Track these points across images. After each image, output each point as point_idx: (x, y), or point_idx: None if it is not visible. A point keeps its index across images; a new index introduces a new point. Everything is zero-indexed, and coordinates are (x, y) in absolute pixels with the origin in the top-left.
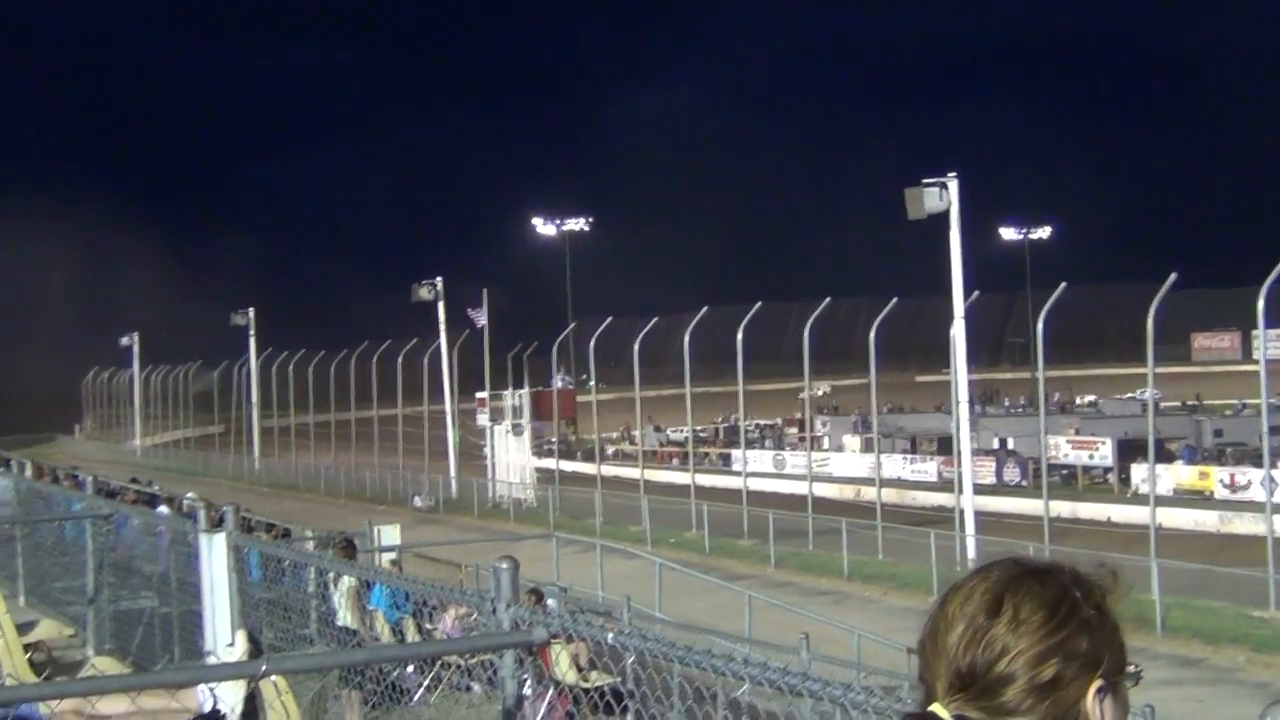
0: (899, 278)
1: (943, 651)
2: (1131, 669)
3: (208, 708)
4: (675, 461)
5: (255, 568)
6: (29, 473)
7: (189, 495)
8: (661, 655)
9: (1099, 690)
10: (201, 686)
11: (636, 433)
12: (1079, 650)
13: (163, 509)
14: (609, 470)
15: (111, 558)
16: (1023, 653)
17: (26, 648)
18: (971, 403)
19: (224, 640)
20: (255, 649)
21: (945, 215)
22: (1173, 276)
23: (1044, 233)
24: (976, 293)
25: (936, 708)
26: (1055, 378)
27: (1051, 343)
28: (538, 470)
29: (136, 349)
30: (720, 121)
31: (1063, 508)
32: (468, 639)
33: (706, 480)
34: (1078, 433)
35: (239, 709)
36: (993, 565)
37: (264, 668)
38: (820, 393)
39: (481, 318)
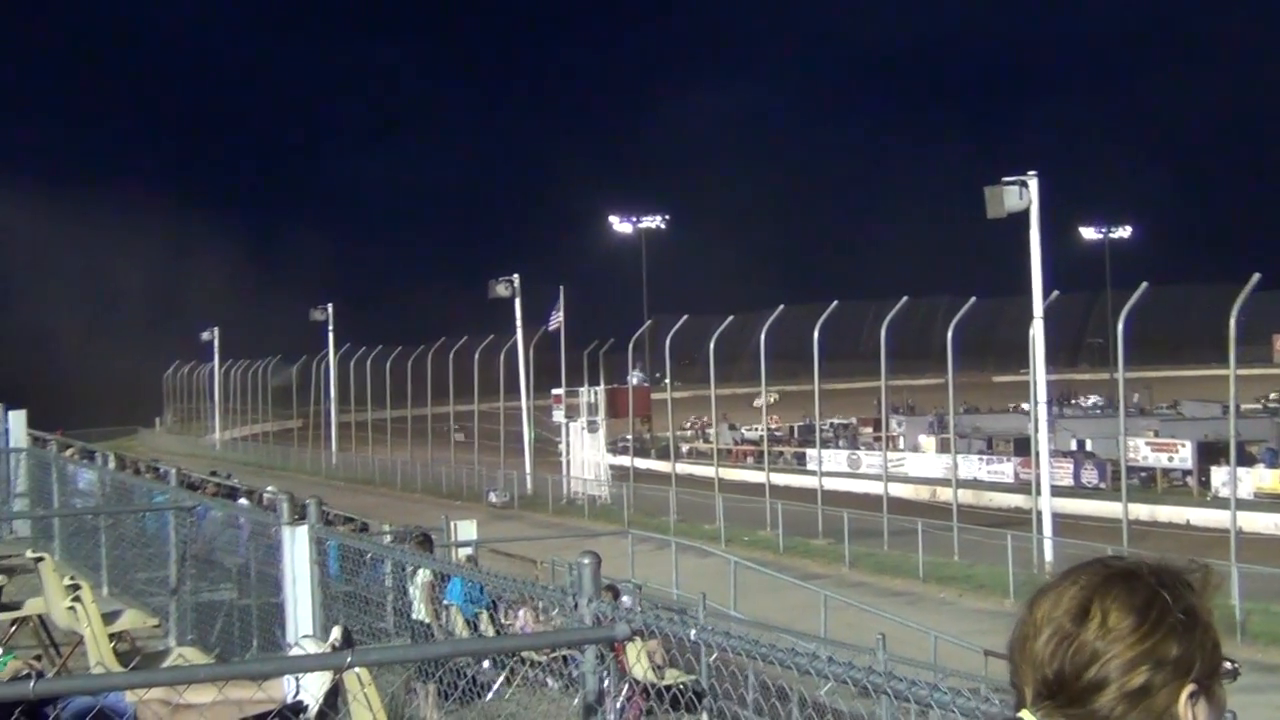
0: (977, 277)
1: (1031, 657)
2: (1228, 666)
3: (291, 698)
4: (750, 460)
5: (333, 561)
6: (112, 465)
7: (269, 489)
8: (745, 653)
9: (1191, 695)
10: (287, 677)
11: (711, 431)
12: (1169, 656)
13: (242, 502)
14: (683, 468)
15: (193, 550)
16: (1112, 660)
17: (111, 637)
18: (1049, 403)
19: (305, 632)
20: (348, 643)
21: (1025, 214)
22: (1256, 277)
23: (1124, 232)
24: (1056, 293)
25: (1025, 714)
26: (1135, 379)
27: (1131, 344)
28: (612, 467)
29: (217, 343)
30: (797, 119)
31: (1141, 511)
32: (550, 634)
33: (781, 479)
34: (1157, 435)
35: (321, 700)
36: (1080, 568)
37: (349, 659)
38: (773, 399)
39: (558, 316)
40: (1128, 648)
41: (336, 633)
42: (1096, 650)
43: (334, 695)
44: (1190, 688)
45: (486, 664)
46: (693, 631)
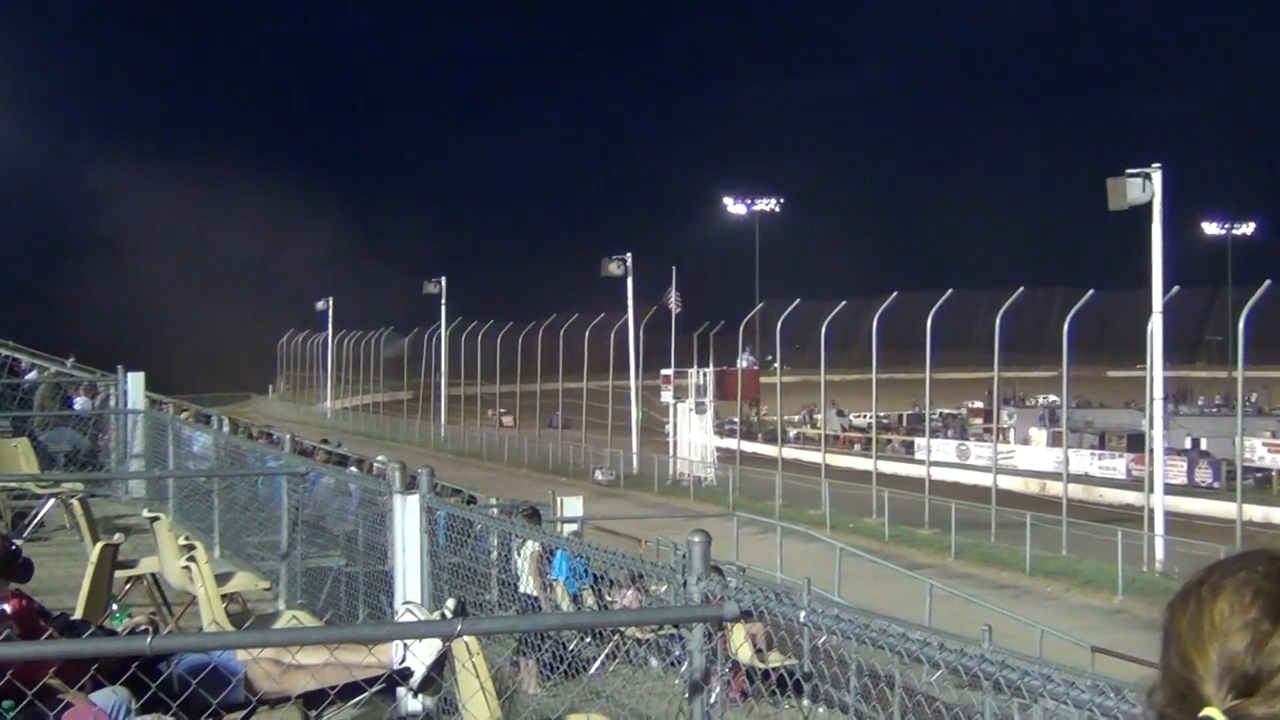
0: (1095, 270)
1: (1213, 653)
2: None
3: (399, 664)
4: (857, 447)
5: (441, 531)
6: (226, 429)
7: (379, 458)
8: (855, 636)
9: None
10: (396, 644)
11: (819, 416)
12: None
13: (352, 470)
14: (790, 453)
15: (304, 515)
16: None
17: (223, 598)
18: (1165, 400)
19: (414, 599)
20: (461, 615)
21: (1147, 207)
22: None
23: (1248, 229)
24: (1176, 288)
25: (1213, 712)
26: (1254, 378)
27: (1252, 342)
28: (718, 449)
29: (331, 313)
30: (917, 104)
31: (1256, 512)
32: (659, 610)
33: (888, 467)
34: (1275, 435)
35: (429, 666)
36: (1251, 558)
37: (460, 627)
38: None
39: (673, 298)
40: None
41: (451, 603)
42: None
43: (441, 663)
44: None
45: (589, 640)
46: (802, 613)
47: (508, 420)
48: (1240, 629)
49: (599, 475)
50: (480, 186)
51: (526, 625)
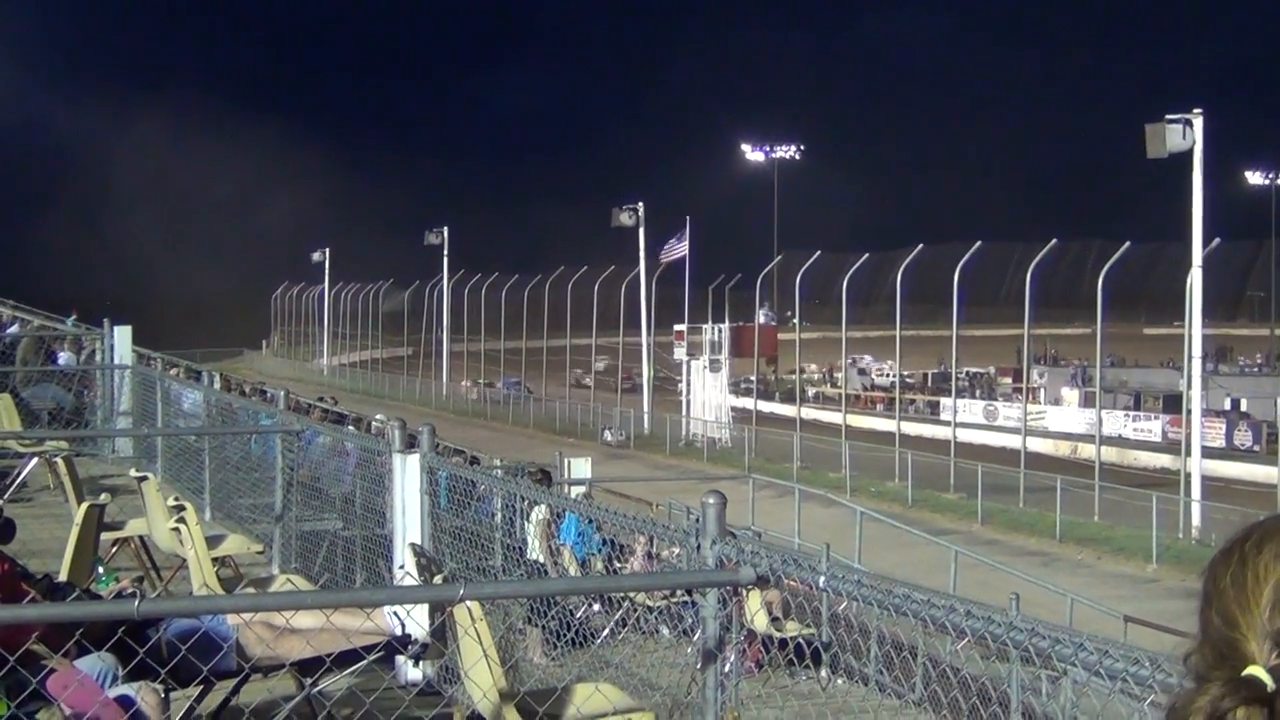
0: (1133, 221)
1: (1258, 610)
2: None
3: (398, 631)
4: (879, 407)
5: (442, 493)
6: (217, 386)
7: (378, 417)
8: (877, 603)
9: None
10: (390, 610)
11: (840, 374)
12: None
13: (350, 429)
14: (809, 413)
15: (298, 476)
16: None
17: (214, 562)
18: (1204, 359)
19: (413, 564)
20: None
21: (1188, 155)
22: None
23: None
24: (1217, 240)
25: (1257, 670)
26: None
27: None
28: (734, 409)
29: (328, 265)
30: (945, 48)
31: None
32: (672, 574)
33: (912, 428)
34: None
35: (427, 633)
36: None
37: (462, 591)
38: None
39: (679, 247)
40: None
41: (409, 557)
42: None
43: (442, 630)
44: None
45: (597, 607)
46: (822, 578)
47: (587, 380)
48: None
49: (608, 436)
50: (486, 134)
51: (531, 589)
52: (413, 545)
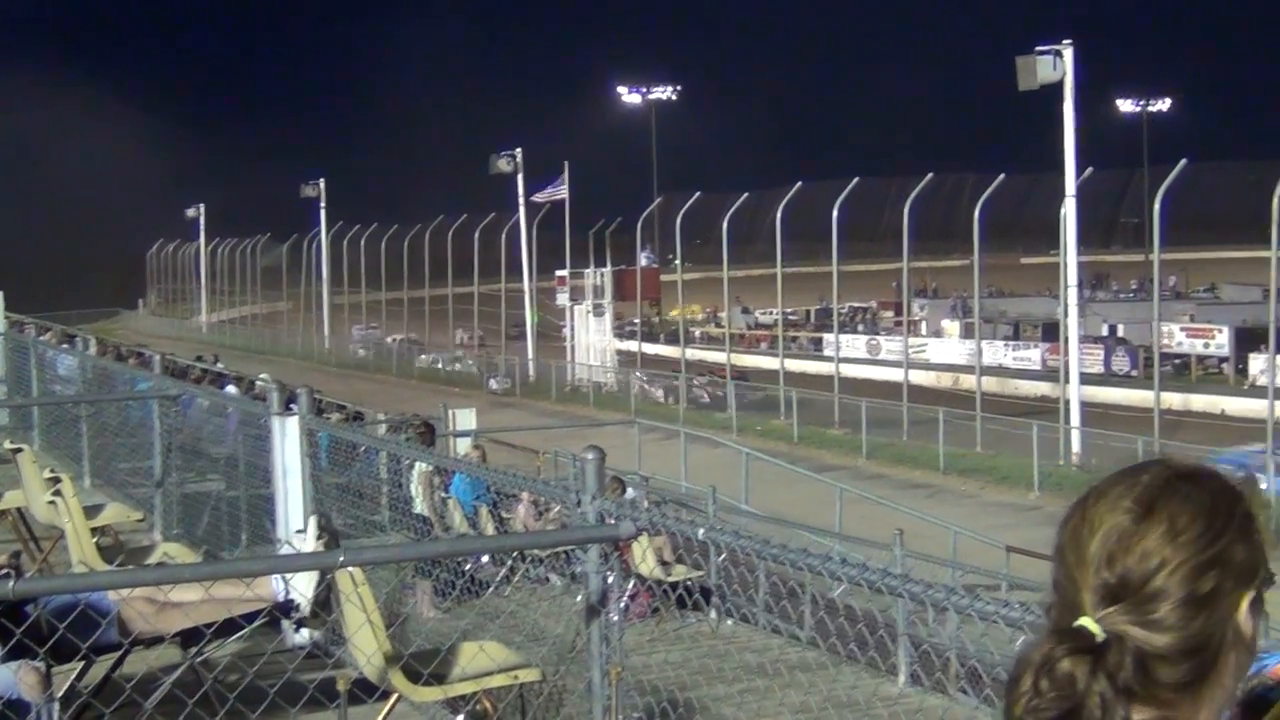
0: (1007, 153)
1: (1089, 562)
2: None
3: (281, 597)
4: (763, 346)
5: (323, 452)
6: (93, 349)
7: (262, 376)
8: (755, 553)
9: (1252, 603)
10: (276, 576)
11: (723, 315)
12: (1235, 561)
13: (231, 389)
14: (694, 354)
15: (178, 439)
16: (1182, 565)
17: (94, 532)
18: (1080, 287)
19: (296, 526)
20: (331, 538)
21: (1059, 86)
22: None
23: (1163, 105)
24: (1090, 169)
25: (1086, 621)
26: (1171, 261)
27: (1168, 224)
28: (619, 352)
29: (203, 221)
30: None
31: (1174, 399)
32: (552, 533)
33: (796, 366)
34: (1193, 320)
35: (311, 598)
36: (1140, 468)
37: (342, 558)
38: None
39: (558, 190)
40: (1198, 551)
41: (312, 525)
42: (1165, 555)
43: (325, 594)
44: (1251, 594)
45: (485, 560)
46: (700, 531)
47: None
48: (1112, 536)
49: (493, 384)
50: (362, 81)
51: (412, 554)
52: (317, 515)
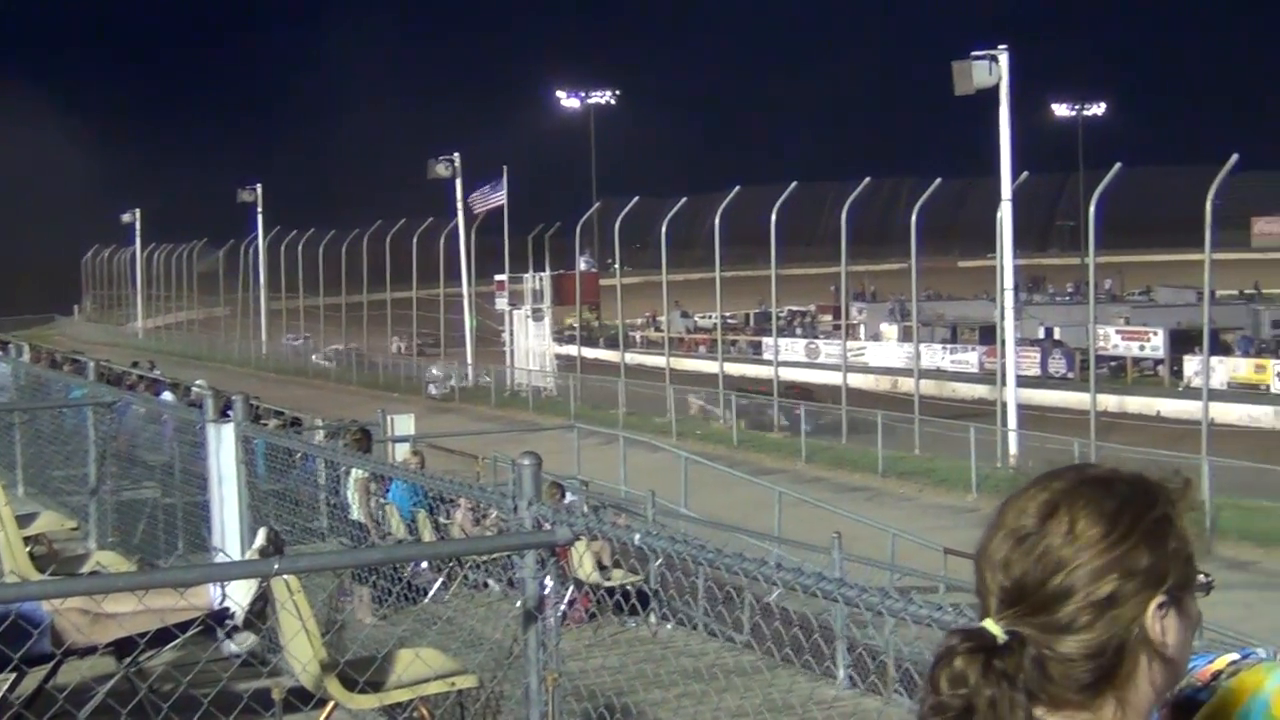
0: (944, 157)
1: (995, 565)
2: (1201, 579)
3: (218, 605)
4: (703, 349)
5: (260, 458)
6: (26, 356)
7: (198, 383)
8: (691, 558)
9: (1160, 606)
10: (212, 585)
11: (662, 319)
12: (1139, 566)
13: (167, 395)
14: (633, 358)
15: (114, 446)
16: (1079, 567)
17: (27, 540)
18: (1017, 290)
19: (232, 534)
20: (276, 547)
21: (995, 91)
22: (1234, 158)
23: (1098, 110)
24: (1025, 173)
25: (988, 623)
26: (1106, 264)
27: (1104, 227)
28: (558, 357)
29: (139, 226)
30: None
31: (1110, 401)
32: (488, 539)
33: (736, 369)
34: (1128, 322)
35: (247, 607)
36: (1055, 474)
37: (276, 566)
38: None
39: (495, 196)
40: (1096, 555)
41: (262, 537)
42: (1062, 557)
43: (262, 603)
44: (1159, 599)
45: (424, 565)
46: (637, 536)
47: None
48: (1014, 538)
49: (432, 389)
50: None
51: (348, 561)
52: (267, 528)
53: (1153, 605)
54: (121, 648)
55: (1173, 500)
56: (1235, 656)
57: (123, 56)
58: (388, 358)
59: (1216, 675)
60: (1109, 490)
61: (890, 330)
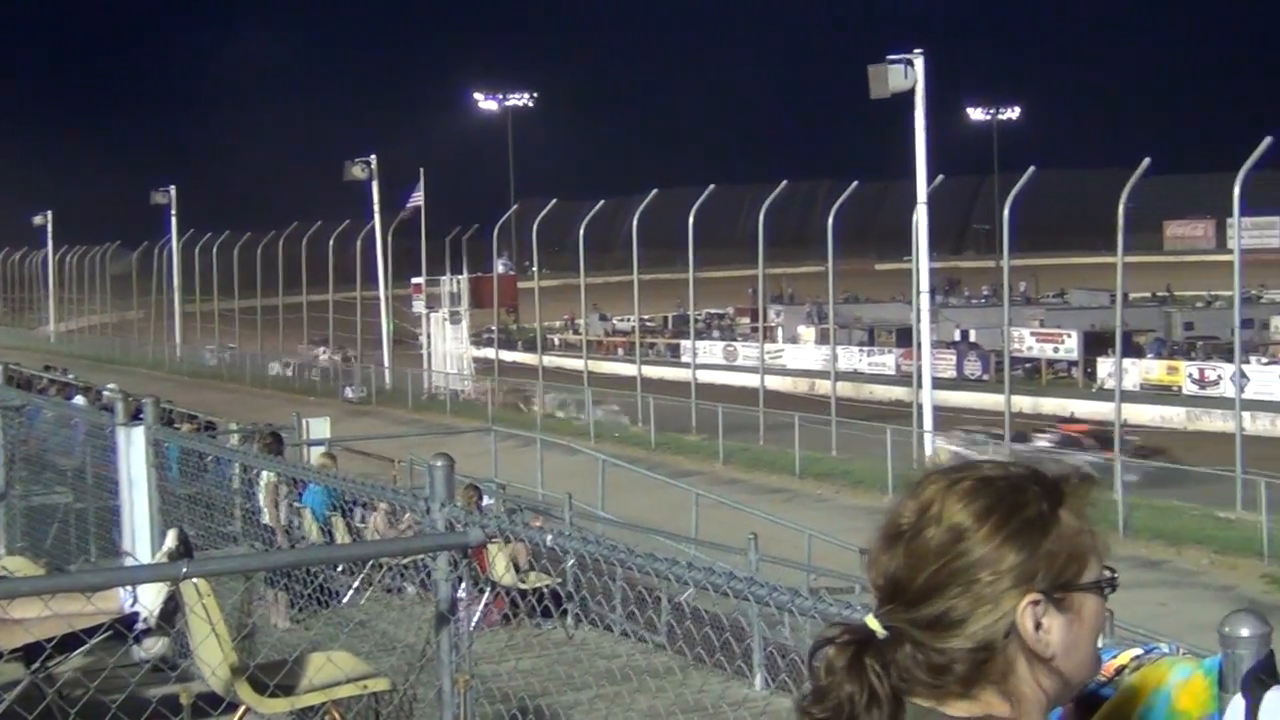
0: (860, 160)
1: (875, 561)
2: (1107, 575)
3: (128, 610)
4: (621, 352)
5: (173, 463)
6: None
7: (109, 387)
8: (603, 558)
9: (1032, 605)
10: (122, 589)
11: (580, 322)
12: (1004, 564)
13: (78, 399)
14: (551, 361)
15: (23, 451)
16: (944, 566)
17: None
18: (932, 292)
19: (143, 538)
20: (185, 550)
21: (910, 95)
22: (1146, 161)
23: (1013, 114)
24: (941, 177)
25: (870, 618)
26: (1021, 267)
27: (1018, 230)
28: (476, 360)
29: (50, 228)
30: None
31: (1025, 402)
32: (400, 541)
33: (654, 372)
34: (1042, 324)
35: (157, 611)
36: (942, 472)
37: (185, 570)
38: None
39: (417, 198)
40: (960, 553)
41: (171, 540)
42: (931, 554)
43: (172, 607)
44: (1031, 597)
45: (339, 569)
46: (549, 537)
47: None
48: (889, 535)
49: (349, 393)
50: (215, 86)
51: (258, 564)
52: (177, 530)
53: (1024, 603)
54: (28, 653)
55: (1062, 498)
56: (1139, 651)
57: (34, 58)
58: (304, 361)
59: (1120, 670)
60: (985, 489)
61: (808, 332)
